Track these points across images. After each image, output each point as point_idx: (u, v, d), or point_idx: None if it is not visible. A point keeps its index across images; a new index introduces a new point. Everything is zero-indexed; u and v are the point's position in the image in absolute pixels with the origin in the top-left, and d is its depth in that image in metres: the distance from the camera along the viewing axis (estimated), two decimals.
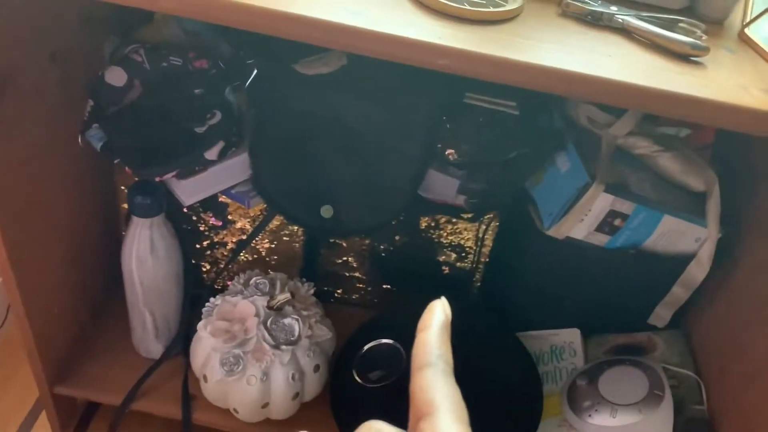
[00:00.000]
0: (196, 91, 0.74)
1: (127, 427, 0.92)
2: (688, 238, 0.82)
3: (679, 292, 0.86)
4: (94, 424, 0.96)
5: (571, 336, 0.93)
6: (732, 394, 0.80)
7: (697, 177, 0.82)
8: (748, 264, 0.83)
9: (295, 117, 0.77)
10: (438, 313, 0.27)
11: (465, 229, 0.89)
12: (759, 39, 0.55)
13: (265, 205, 0.84)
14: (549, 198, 0.83)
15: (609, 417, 0.80)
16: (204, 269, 0.93)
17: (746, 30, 0.57)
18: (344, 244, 0.92)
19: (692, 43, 0.52)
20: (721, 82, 0.49)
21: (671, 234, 0.81)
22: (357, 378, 0.84)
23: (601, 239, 0.82)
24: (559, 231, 0.81)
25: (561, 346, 0.93)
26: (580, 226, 0.80)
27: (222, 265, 0.92)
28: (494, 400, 0.84)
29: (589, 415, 0.81)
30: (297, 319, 0.81)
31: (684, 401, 0.82)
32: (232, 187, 0.79)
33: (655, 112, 0.47)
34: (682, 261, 0.83)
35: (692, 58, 0.51)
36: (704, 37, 0.54)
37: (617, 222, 0.80)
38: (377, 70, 0.77)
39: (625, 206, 0.79)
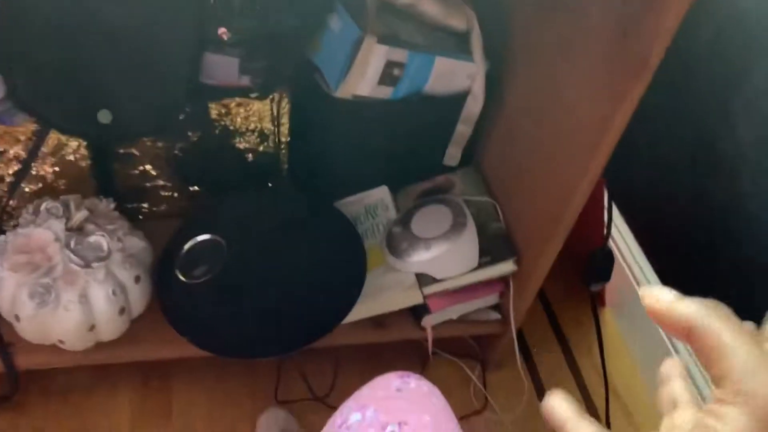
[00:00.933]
0: None
1: None
2: (461, 75, 0.88)
3: (462, 129, 0.93)
4: None
5: (381, 193, 0.98)
6: (520, 208, 0.90)
7: (458, 17, 0.87)
8: (513, 89, 0.92)
9: (47, 20, 0.70)
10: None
11: (259, 111, 0.88)
12: None
13: (34, 123, 0.78)
14: (330, 61, 0.85)
15: (424, 251, 0.87)
16: None
17: None
18: (137, 153, 0.88)
19: None
20: None
21: (445, 75, 0.87)
22: (182, 278, 0.84)
23: (386, 92, 0.86)
24: (345, 90, 0.84)
25: (374, 204, 0.98)
26: (364, 82, 0.83)
27: (4, 202, 0.84)
28: (322, 264, 0.88)
29: (408, 255, 0.88)
30: (103, 235, 0.78)
31: (485, 223, 0.91)
32: None
33: None
34: (461, 99, 0.90)
35: None
36: None
37: (396, 72, 0.84)
38: None
39: (399, 55, 0.83)
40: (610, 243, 1.01)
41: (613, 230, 1.05)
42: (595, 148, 0.72)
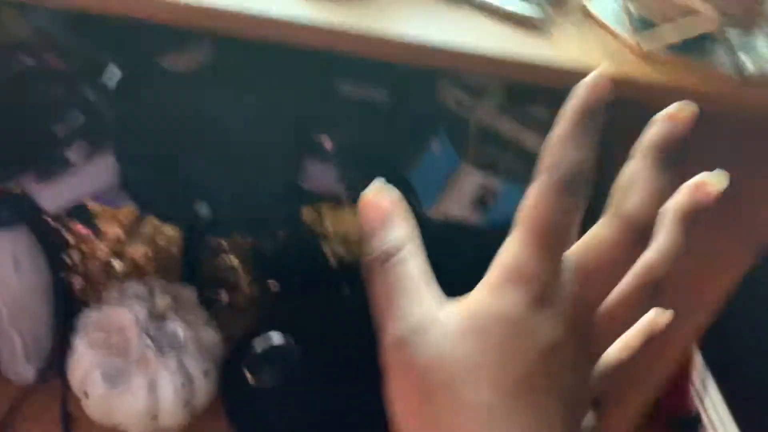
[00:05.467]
0: (53, 91, 0.70)
1: None
2: None
3: None
4: None
5: None
6: None
7: None
8: None
9: (162, 113, 0.75)
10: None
11: (348, 219, 0.89)
12: (598, 12, 0.60)
13: (136, 210, 0.81)
14: (426, 181, 0.86)
15: None
16: (74, 283, 0.88)
17: (587, 5, 0.62)
18: (225, 245, 0.90)
19: (538, 15, 0.56)
20: (568, 49, 0.52)
21: None
22: (250, 379, 0.83)
23: (477, 217, 0.85)
24: (437, 211, 0.84)
25: None
26: (456, 205, 0.83)
27: (94, 278, 0.87)
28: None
29: None
30: (181, 325, 0.79)
31: None
32: (100, 190, 0.75)
33: (510, 77, 0.50)
34: None
35: (539, 28, 0.54)
36: (550, 9, 0.58)
37: (488, 199, 0.84)
38: (247, 64, 0.76)
39: (494, 184, 0.83)
40: (700, 411, 0.93)
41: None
42: (689, 314, 0.68)
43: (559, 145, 0.22)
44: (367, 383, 0.85)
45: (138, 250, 0.86)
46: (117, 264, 0.87)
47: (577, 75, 0.48)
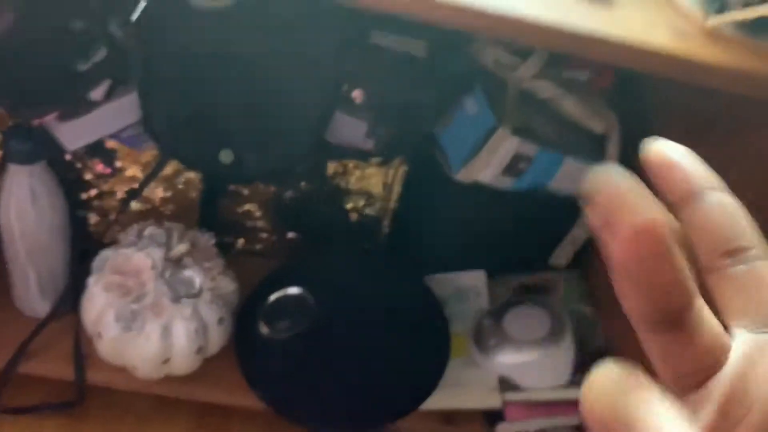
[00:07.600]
0: (76, 24, 0.67)
1: (14, 392, 0.85)
2: None
3: (578, 233, 0.88)
4: None
5: (477, 278, 0.94)
6: (625, 328, 0.84)
7: (598, 120, 0.83)
8: None
9: (189, 54, 0.71)
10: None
11: (373, 175, 0.87)
12: None
13: (157, 150, 0.78)
14: (457, 142, 0.82)
15: (514, 354, 0.82)
16: (91, 222, 0.86)
17: None
18: (246, 192, 0.88)
19: None
20: (629, 22, 0.48)
21: (572, 176, 0.83)
22: (264, 329, 0.82)
23: (508, 182, 0.82)
24: (467, 175, 0.81)
25: (467, 288, 0.94)
26: (487, 170, 0.80)
27: (112, 217, 0.85)
28: (403, 342, 0.84)
29: (495, 354, 0.83)
30: (198, 272, 0.77)
31: (584, 337, 0.85)
32: (121, 130, 0.73)
33: (566, 51, 0.46)
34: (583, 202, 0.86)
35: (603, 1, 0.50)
36: None
37: (522, 165, 0.80)
38: (278, 5, 0.72)
39: (529, 149, 0.79)
40: None
41: None
42: None
43: None
44: (380, 342, 0.85)
45: (156, 192, 0.84)
46: (134, 204, 0.85)
47: (637, 52, 0.45)
